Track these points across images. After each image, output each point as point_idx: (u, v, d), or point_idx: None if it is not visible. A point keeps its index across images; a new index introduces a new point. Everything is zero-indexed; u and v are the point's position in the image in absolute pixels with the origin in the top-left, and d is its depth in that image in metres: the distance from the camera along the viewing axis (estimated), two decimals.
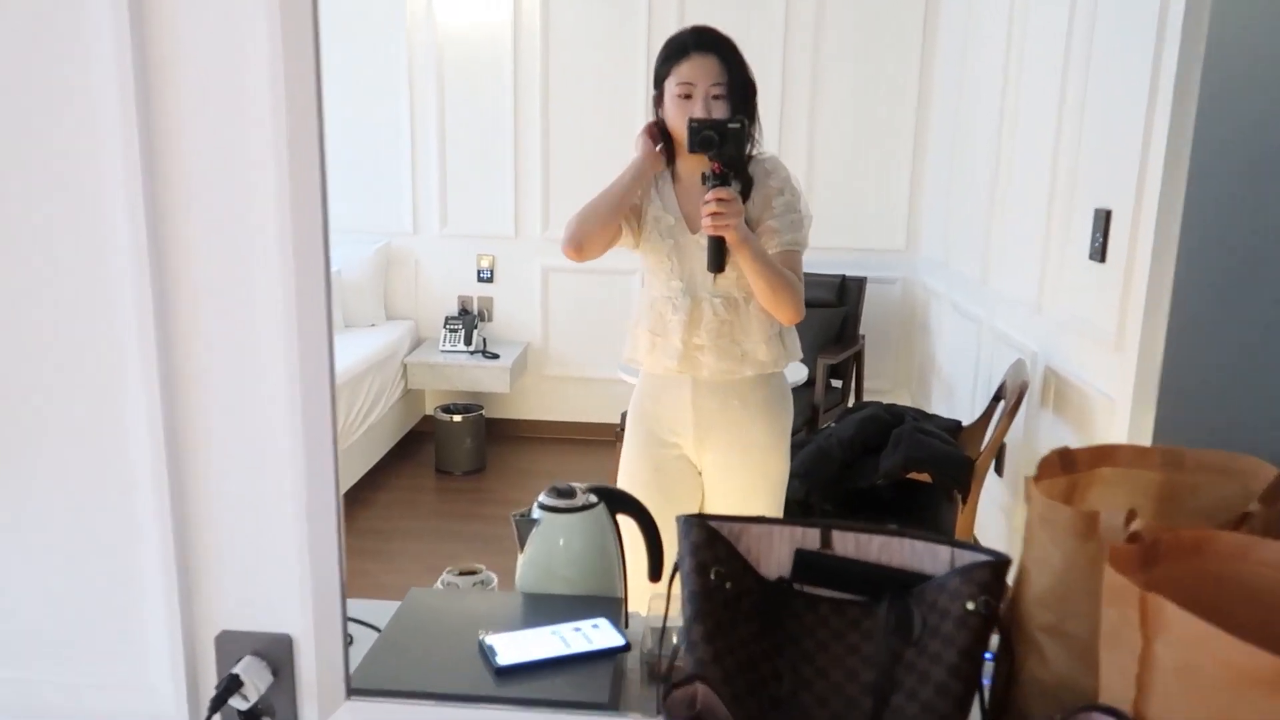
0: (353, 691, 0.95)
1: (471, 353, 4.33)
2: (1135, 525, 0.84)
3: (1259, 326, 1.29)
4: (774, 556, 1.10)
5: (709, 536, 1.05)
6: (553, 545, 1.25)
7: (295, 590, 0.93)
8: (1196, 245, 1.38)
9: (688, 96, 1.85)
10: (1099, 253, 2.38)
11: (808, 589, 1.09)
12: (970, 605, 0.98)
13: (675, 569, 1.07)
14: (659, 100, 1.92)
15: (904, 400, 4.42)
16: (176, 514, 0.91)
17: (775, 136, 4.27)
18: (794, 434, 3.42)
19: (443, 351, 4.36)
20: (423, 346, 4.48)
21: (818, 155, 4.31)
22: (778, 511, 2.04)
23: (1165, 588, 0.82)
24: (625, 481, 2.06)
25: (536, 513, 1.27)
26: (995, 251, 3.22)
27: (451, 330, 4.38)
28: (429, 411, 4.57)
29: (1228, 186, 2.05)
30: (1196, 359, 2.14)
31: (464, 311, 4.52)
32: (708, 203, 1.75)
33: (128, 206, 0.84)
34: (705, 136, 1.75)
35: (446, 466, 4.18)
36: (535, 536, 1.25)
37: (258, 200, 0.87)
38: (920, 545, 1.09)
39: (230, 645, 0.94)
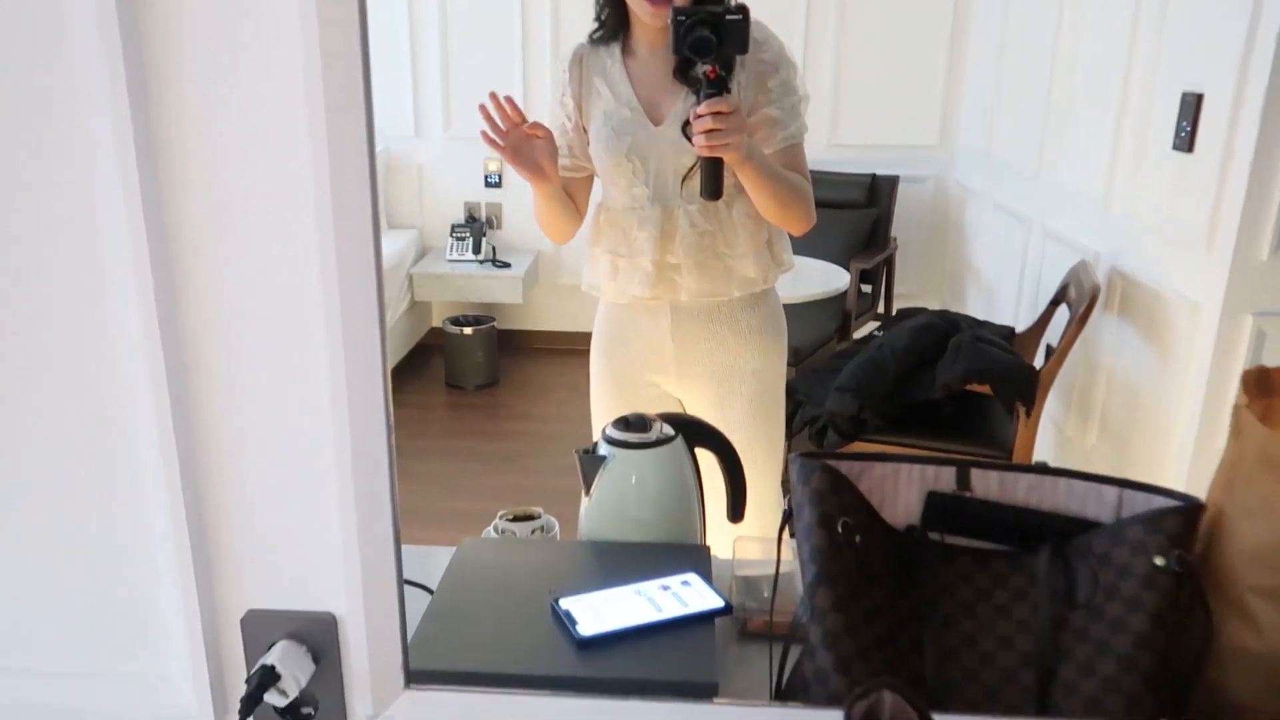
0: (412, 677, 0.78)
1: (481, 262, 4.10)
2: None
3: None
4: (901, 501, 0.92)
5: (834, 481, 0.87)
6: (624, 485, 1.07)
7: (339, 559, 0.75)
8: None
9: None
10: (1185, 142, 2.15)
11: (945, 539, 0.92)
12: (1160, 561, 0.81)
13: (786, 517, 0.90)
14: None
15: (935, 305, 4.23)
16: (186, 466, 0.72)
17: (802, 22, 3.97)
18: (826, 343, 3.25)
19: (450, 261, 4.13)
20: (429, 256, 4.25)
21: (847, 43, 4.01)
22: (779, 449, 1.75)
23: None
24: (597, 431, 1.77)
25: (604, 449, 1.08)
26: (1053, 142, 2.97)
27: (459, 239, 4.15)
28: (437, 324, 4.38)
29: None
30: None
31: (471, 219, 4.27)
32: (701, 117, 1.35)
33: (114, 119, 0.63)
34: (700, 39, 1.32)
35: (458, 381, 4.00)
36: (604, 476, 1.07)
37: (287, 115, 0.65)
38: (1080, 485, 0.91)
39: (260, 628, 0.76)
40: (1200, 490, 2.16)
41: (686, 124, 1.47)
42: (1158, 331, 2.28)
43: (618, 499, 1.08)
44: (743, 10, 1.35)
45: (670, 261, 1.57)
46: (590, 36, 1.59)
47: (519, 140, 1.46)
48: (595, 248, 1.64)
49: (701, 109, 1.36)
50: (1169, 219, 2.23)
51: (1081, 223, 2.74)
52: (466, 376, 3.99)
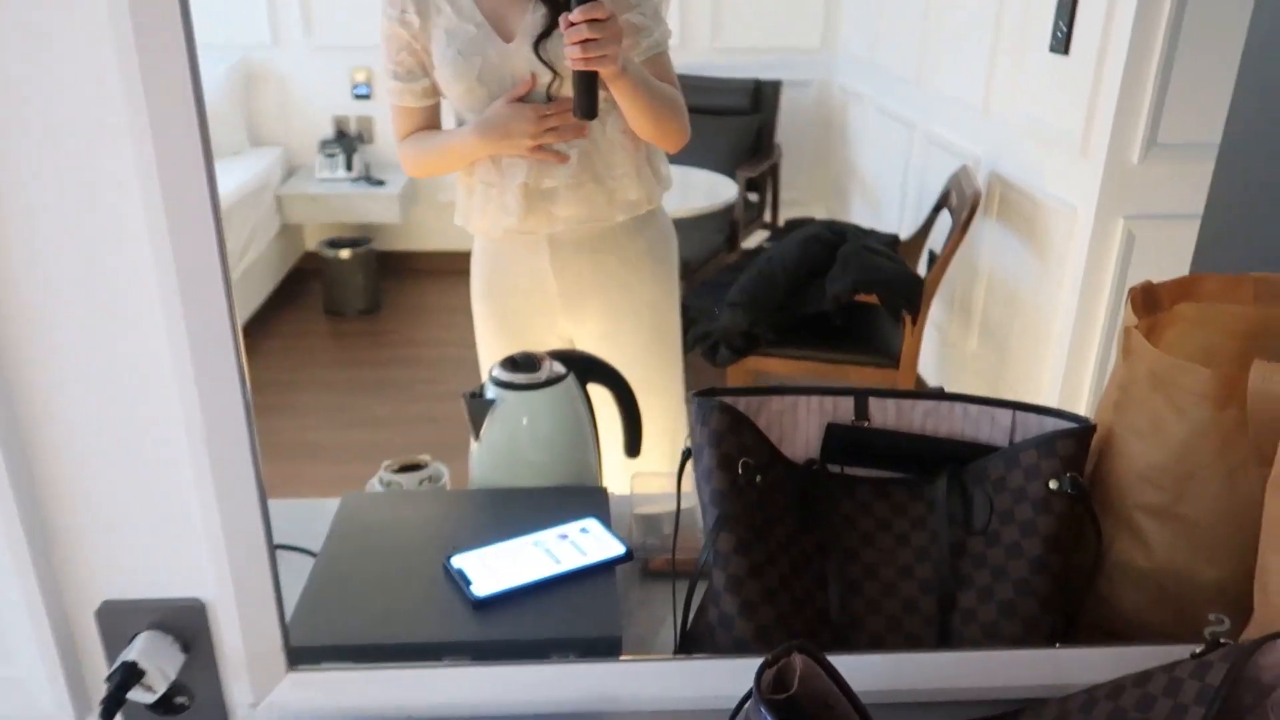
0: (295, 656, 0.73)
1: (354, 180, 3.90)
2: None
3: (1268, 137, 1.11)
4: (800, 435, 0.90)
5: (733, 421, 0.84)
6: (515, 429, 1.02)
7: (200, 537, 0.68)
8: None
9: None
10: (1062, 44, 2.16)
11: (844, 470, 0.91)
12: (1054, 484, 0.81)
13: (685, 457, 0.87)
14: None
15: (820, 214, 4.25)
16: (12, 447, 0.64)
17: None
18: (715, 255, 3.24)
19: (320, 180, 3.91)
20: (297, 175, 4.01)
21: None
22: (678, 377, 1.66)
23: None
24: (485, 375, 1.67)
25: (492, 391, 1.02)
26: (933, 46, 2.97)
27: (328, 156, 3.92)
28: (311, 248, 4.16)
29: None
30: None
31: (341, 134, 4.04)
32: (575, 25, 1.24)
33: None
34: None
35: (337, 307, 3.84)
36: (493, 420, 1.02)
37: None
38: (974, 409, 0.90)
39: (119, 620, 0.69)
40: (1076, 392, 2.24)
41: (540, 38, 1.37)
42: (1036, 235, 2.33)
43: (509, 443, 1.03)
44: None
45: (544, 188, 1.45)
46: None
47: None
48: (468, 177, 1.51)
49: (575, 15, 1.24)
50: (1046, 123, 2.25)
51: (962, 128, 2.76)
52: (346, 302, 3.83)
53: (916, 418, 0.90)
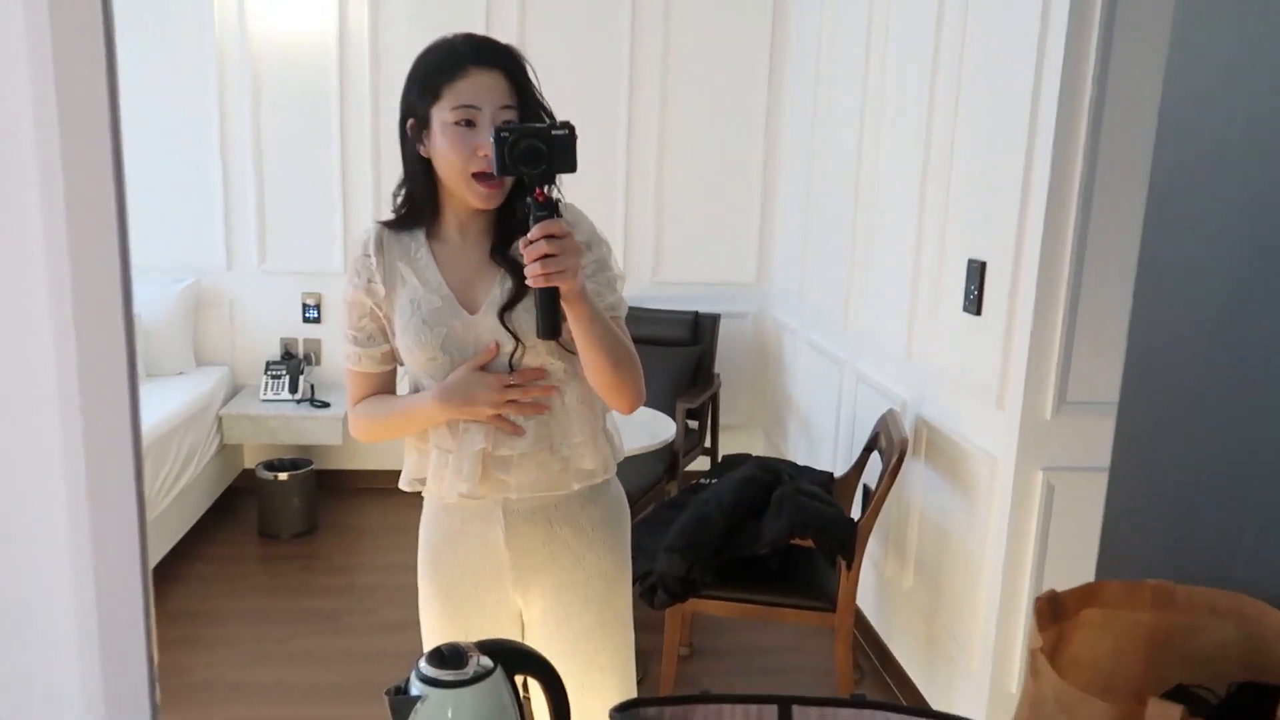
0: None
1: (298, 401, 3.92)
2: None
3: (1170, 394, 1.20)
4: None
5: None
6: None
7: None
8: (1158, 294, 1.26)
9: (469, 123, 1.35)
10: (974, 305, 2.33)
11: None
12: None
13: None
14: (415, 132, 1.41)
15: (757, 440, 4.36)
16: None
17: (623, 169, 4.12)
18: (655, 485, 3.28)
19: (264, 401, 3.93)
20: (241, 395, 4.03)
21: (666, 186, 4.19)
22: (628, 651, 1.59)
23: None
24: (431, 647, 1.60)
25: (417, 686, 1.01)
26: (858, 294, 3.16)
27: (274, 377, 3.96)
28: (249, 466, 4.12)
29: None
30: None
31: (288, 355, 4.10)
32: (533, 243, 1.25)
33: None
34: (527, 148, 1.24)
35: (271, 530, 3.76)
36: (418, 717, 0.99)
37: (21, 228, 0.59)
38: (895, 718, 0.91)
39: None
40: (1009, 642, 2.25)
41: (506, 308, 1.40)
42: (962, 479, 2.42)
43: None
44: (569, 127, 1.27)
45: (500, 455, 1.44)
46: (390, 222, 1.47)
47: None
48: (421, 442, 1.50)
49: (533, 233, 1.25)
50: (965, 374, 2.39)
51: (888, 370, 2.90)
52: (281, 524, 3.76)
53: None
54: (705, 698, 0.90)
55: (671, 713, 0.88)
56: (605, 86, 4.08)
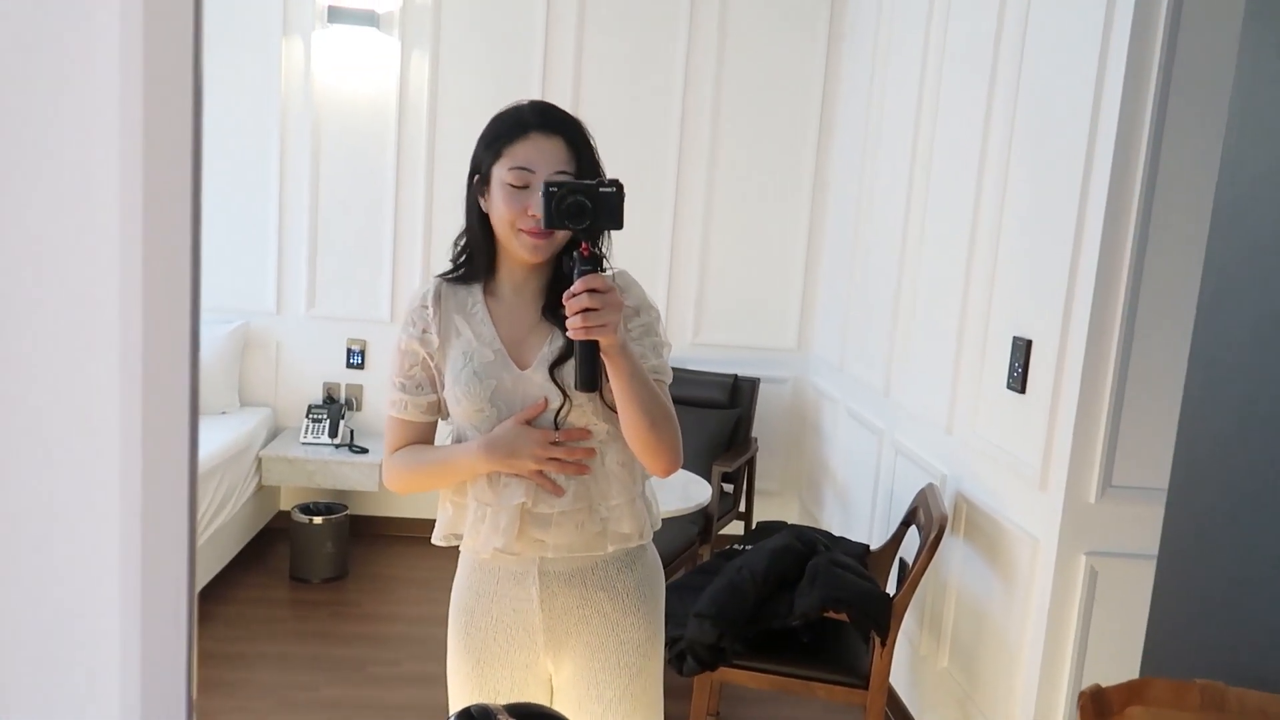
0: None
1: (337, 446, 3.96)
2: None
3: (1216, 479, 1.17)
4: None
5: None
6: None
7: None
8: (1211, 386, 1.24)
9: (524, 186, 1.39)
10: (1018, 383, 2.31)
11: None
12: None
13: None
14: (478, 187, 1.46)
15: (793, 506, 4.32)
16: None
17: (669, 231, 4.17)
18: (689, 548, 3.25)
19: (304, 444, 3.97)
20: (281, 437, 4.08)
21: (711, 249, 4.22)
22: (658, 716, 1.58)
23: None
24: (455, 705, 1.56)
25: None
26: (899, 365, 3.14)
27: (315, 420, 4.01)
28: (285, 508, 4.16)
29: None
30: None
31: (330, 400, 4.15)
32: (575, 296, 1.27)
33: None
34: (573, 204, 1.29)
35: (303, 574, 3.77)
36: None
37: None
38: None
39: None
40: None
41: (556, 364, 1.42)
42: (1001, 560, 2.37)
43: None
44: (616, 185, 1.31)
45: (539, 512, 1.44)
46: (448, 276, 1.52)
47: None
48: (458, 496, 1.50)
49: (576, 286, 1.27)
50: (1007, 453, 2.35)
51: (927, 444, 2.87)
52: (313, 569, 3.77)
53: None
54: None
55: None
56: (655, 151, 4.15)
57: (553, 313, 1.46)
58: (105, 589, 0.64)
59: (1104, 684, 0.93)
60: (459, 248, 1.52)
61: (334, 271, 4.16)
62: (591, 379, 1.33)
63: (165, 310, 0.65)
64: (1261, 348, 1.10)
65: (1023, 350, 2.29)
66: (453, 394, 1.47)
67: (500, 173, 1.41)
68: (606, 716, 1.51)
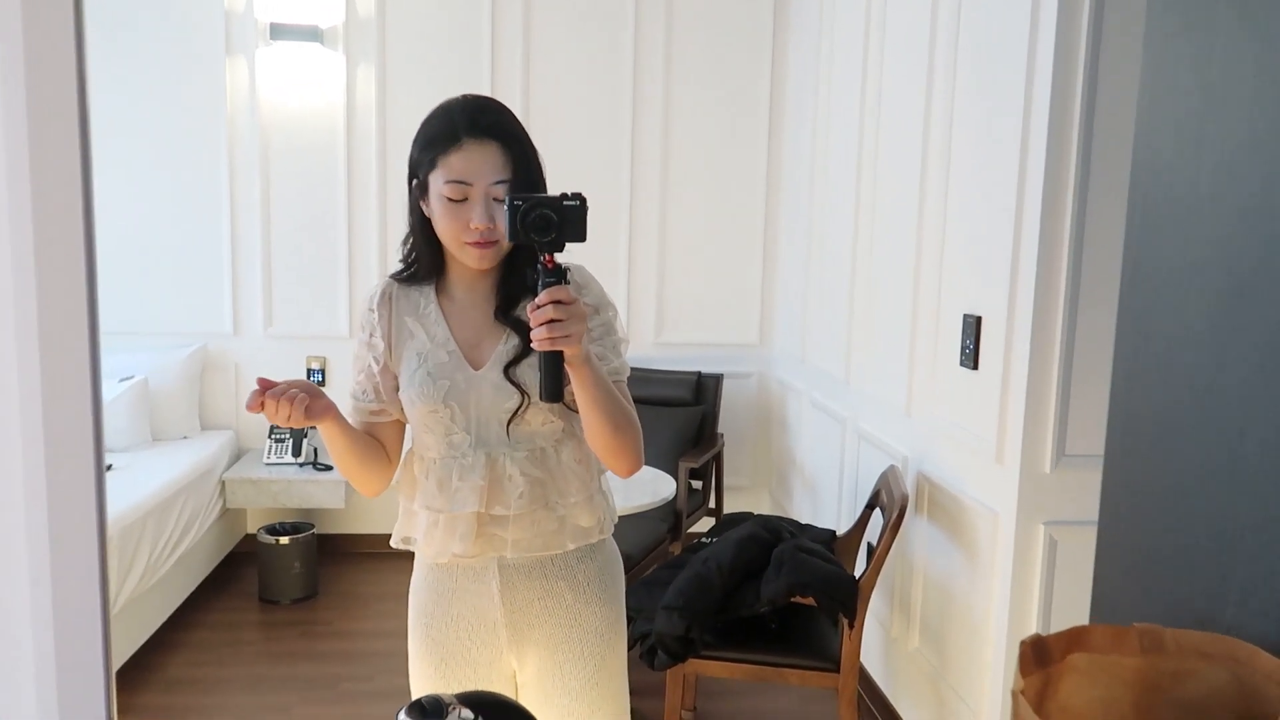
0: None
1: (301, 465, 3.92)
2: None
3: (1166, 448, 1.20)
4: None
5: None
6: None
7: None
8: (1136, 351, 1.26)
9: (463, 199, 1.37)
10: (970, 359, 2.33)
11: None
12: None
13: None
14: (418, 191, 1.43)
15: (764, 500, 4.33)
16: None
17: (626, 233, 4.18)
18: (659, 545, 3.25)
19: (267, 465, 3.93)
20: (244, 460, 4.03)
21: (669, 248, 4.23)
22: (625, 710, 1.57)
23: None
24: None
25: None
26: (858, 352, 3.17)
27: (278, 440, 3.97)
28: (251, 531, 4.11)
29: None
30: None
31: None
32: (540, 308, 1.26)
33: None
34: (539, 218, 1.27)
35: (272, 595, 3.73)
36: None
37: None
38: None
39: None
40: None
41: (511, 364, 1.42)
42: (963, 537, 2.39)
43: None
44: (580, 198, 1.29)
45: (495, 514, 1.44)
46: (398, 276, 1.50)
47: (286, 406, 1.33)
48: (411, 502, 1.49)
49: (541, 298, 1.26)
50: (964, 430, 2.38)
51: (888, 428, 2.89)
52: (282, 589, 3.73)
53: None
54: None
55: None
56: (608, 155, 4.15)
57: (505, 315, 1.45)
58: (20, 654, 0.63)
59: (1046, 635, 0.94)
60: (407, 247, 1.50)
61: (290, 289, 4.13)
62: (556, 390, 1.32)
63: (64, 357, 0.64)
64: (1183, 306, 1.12)
65: (973, 327, 2.32)
66: (407, 395, 1.45)
67: (437, 185, 1.38)
68: (573, 707, 1.50)
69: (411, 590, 1.56)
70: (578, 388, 1.35)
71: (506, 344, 1.44)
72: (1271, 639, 0.90)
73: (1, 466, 0.63)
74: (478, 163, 1.37)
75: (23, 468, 0.63)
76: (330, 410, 1.38)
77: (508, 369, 1.42)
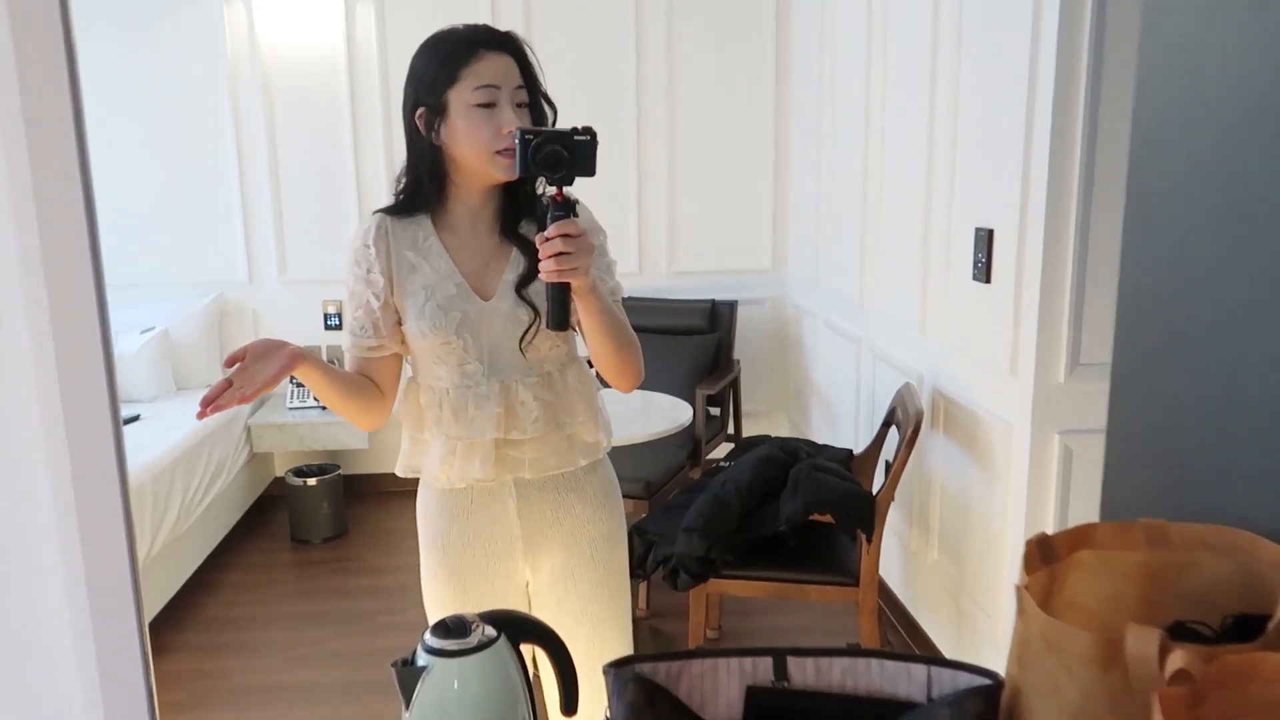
0: None
1: (323, 408, 3.97)
2: (1177, 659, 0.70)
3: (1250, 347, 1.19)
4: (721, 697, 0.92)
5: (649, 693, 0.85)
6: (446, 695, 1.02)
7: None
8: (1143, 257, 1.26)
9: (490, 104, 1.39)
10: (983, 273, 2.32)
11: None
12: None
13: None
14: (426, 121, 1.44)
15: (783, 425, 4.35)
16: None
17: (635, 165, 4.14)
18: (679, 472, 3.29)
19: (290, 409, 3.98)
20: (268, 405, 4.09)
21: (679, 177, 4.19)
22: (627, 611, 1.65)
23: None
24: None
25: (423, 658, 1.03)
26: (871, 271, 3.15)
27: (299, 385, 4.01)
28: (279, 474, 4.19)
29: (1184, 192, 1.99)
30: (1160, 389, 2.07)
31: None
32: (550, 240, 1.29)
33: None
34: (550, 153, 1.29)
35: (303, 535, 3.81)
36: (424, 687, 1.02)
37: None
38: (891, 665, 0.92)
39: None
40: None
41: (522, 284, 1.45)
42: (979, 449, 2.40)
43: (440, 710, 1.02)
44: (590, 132, 1.31)
45: (513, 439, 1.49)
46: (392, 210, 1.50)
47: (243, 378, 1.35)
48: (419, 432, 1.52)
49: (550, 231, 1.29)
50: (977, 344, 2.37)
51: (903, 346, 2.89)
52: (312, 529, 3.81)
53: (835, 676, 0.92)
54: (700, 652, 0.92)
55: (667, 669, 0.90)
56: (613, 81, 4.09)
57: (514, 232, 1.48)
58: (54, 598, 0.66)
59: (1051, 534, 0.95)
60: (402, 183, 1.51)
61: (302, 235, 4.14)
62: (563, 319, 1.36)
63: (74, 315, 0.65)
64: (1189, 203, 1.11)
65: (985, 240, 2.30)
66: (417, 328, 1.46)
67: (464, 95, 1.40)
68: (585, 608, 1.59)
69: (421, 515, 1.60)
70: (585, 315, 1.40)
71: (514, 268, 1.47)
72: (1275, 528, 0.90)
73: (20, 423, 0.65)
74: (501, 69, 1.41)
75: (42, 425, 0.65)
76: (296, 359, 1.40)
77: (519, 290, 1.46)
